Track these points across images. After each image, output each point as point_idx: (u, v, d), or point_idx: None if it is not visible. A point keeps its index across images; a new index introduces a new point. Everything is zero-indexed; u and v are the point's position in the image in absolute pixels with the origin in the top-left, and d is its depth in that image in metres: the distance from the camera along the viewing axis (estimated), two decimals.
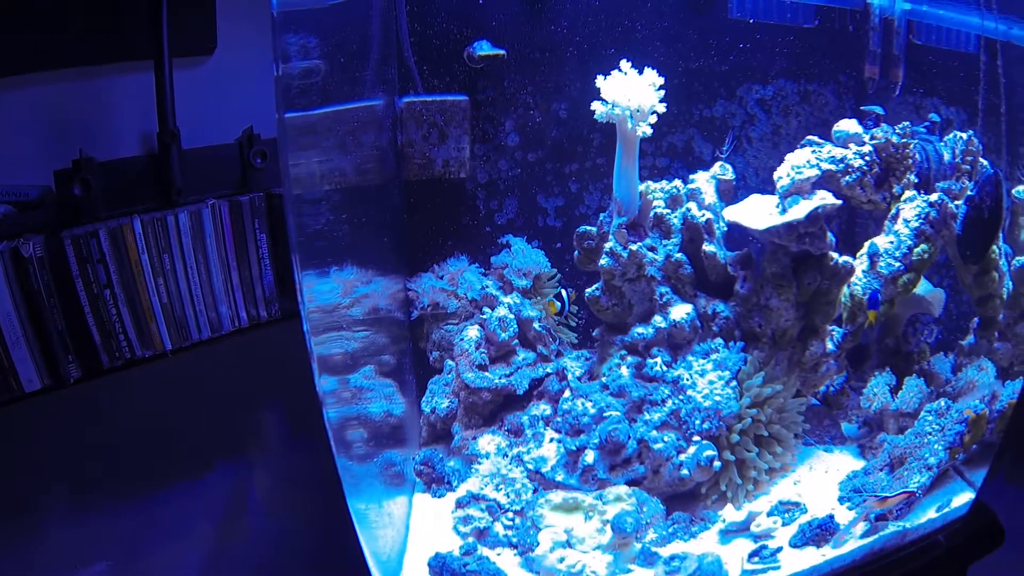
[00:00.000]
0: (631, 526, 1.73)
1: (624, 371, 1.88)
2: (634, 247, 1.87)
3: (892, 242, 2.05)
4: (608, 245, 1.88)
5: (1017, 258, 2.21)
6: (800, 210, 1.86)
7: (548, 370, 2.01)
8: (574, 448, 1.86)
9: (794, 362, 2.01)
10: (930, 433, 1.95)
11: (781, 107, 2.26)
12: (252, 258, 2.35)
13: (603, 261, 1.88)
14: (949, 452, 1.93)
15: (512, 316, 2.00)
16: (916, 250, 2.04)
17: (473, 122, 2.10)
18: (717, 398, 1.82)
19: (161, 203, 2.23)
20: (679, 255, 1.90)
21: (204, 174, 2.29)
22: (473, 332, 2.00)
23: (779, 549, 1.76)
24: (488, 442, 1.97)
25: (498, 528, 1.83)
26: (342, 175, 1.98)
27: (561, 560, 1.73)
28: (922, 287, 2.28)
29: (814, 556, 1.76)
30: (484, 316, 2.01)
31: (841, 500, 1.95)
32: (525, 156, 2.17)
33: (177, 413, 2.28)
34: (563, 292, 1.97)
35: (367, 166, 2.04)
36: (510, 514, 1.84)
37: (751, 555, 1.75)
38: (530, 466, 1.92)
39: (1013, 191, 2.24)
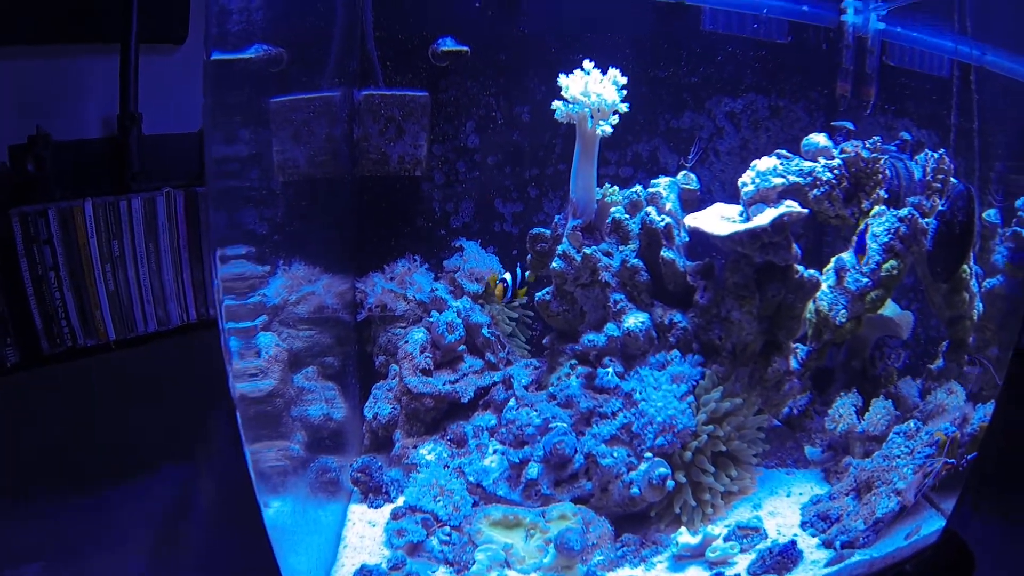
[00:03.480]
0: (578, 543, 1.61)
1: (573, 381, 1.78)
2: (588, 251, 1.79)
3: (858, 253, 1.98)
4: (561, 247, 1.80)
5: (988, 280, 2.15)
6: (764, 217, 1.79)
7: (496, 378, 1.91)
8: (517, 460, 1.75)
9: (756, 379, 1.91)
10: (899, 456, 1.85)
11: (751, 121, 2.21)
12: (205, 252, 2.27)
13: (554, 264, 1.80)
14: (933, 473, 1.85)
15: (460, 320, 1.91)
16: (885, 266, 1.96)
17: (433, 121, 2.04)
18: (671, 412, 1.72)
19: (116, 188, 2.16)
20: (635, 261, 1.81)
21: (163, 162, 2.23)
22: (419, 335, 1.90)
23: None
24: (429, 452, 1.86)
25: (433, 542, 1.71)
26: (294, 166, 1.91)
27: None
28: (890, 309, 2.21)
29: None
30: (431, 319, 1.91)
31: (803, 526, 1.84)
32: (485, 159, 2.11)
33: (116, 409, 2.17)
34: (507, 275, 1.85)
35: (319, 159, 1.97)
36: (447, 528, 1.72)
37: None
38: (471, 479, 1.80)
39: (984, 214, 2.19)
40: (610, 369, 1.76)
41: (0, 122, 2.02)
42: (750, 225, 1.78)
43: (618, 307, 1.80)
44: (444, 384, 1.87)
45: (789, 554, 1.70)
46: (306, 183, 1.96)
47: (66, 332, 2.08)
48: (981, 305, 2.13)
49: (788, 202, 1.84)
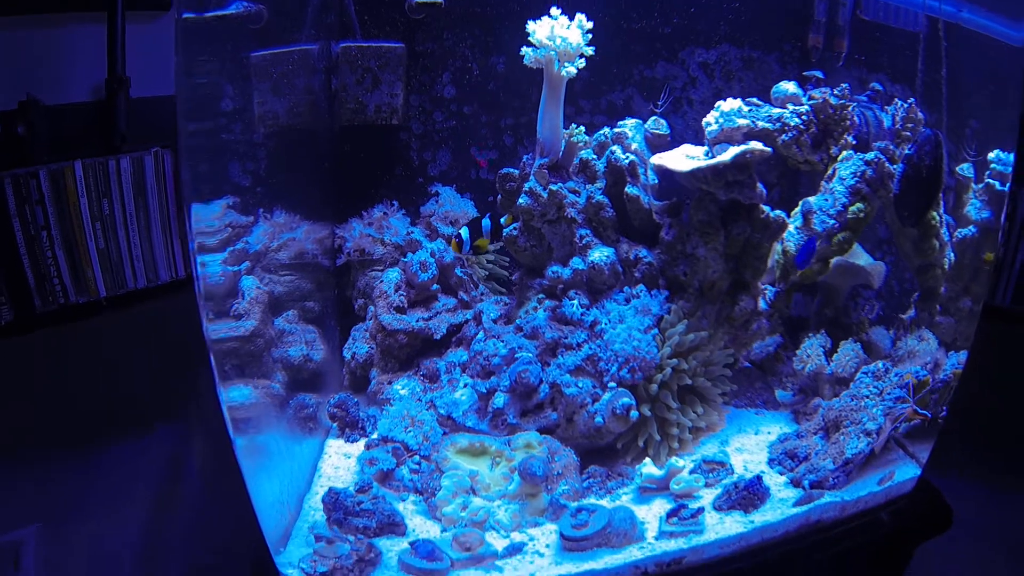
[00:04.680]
0: (540, 470, 1.64)
1: (540, 313, 1.82)
2: (554, 187, 1.83)
3: (827, 199, 2.01)
4: (527, 185, 1.85)
5: (960, 229, 2.16)
6: (727, 154, 1.82)
7: (468, 316, 1.95)
8: (484, 391, 1.79)
9: (723, 317, 1.94)
10: (868, 396, 1.87)
11: (724, 72, 2.24)
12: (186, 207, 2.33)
13: (521, 200, 1.84)
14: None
15: (433, 260, 1.96)
16: (851, 208, 1.99)
17: (410, 73, 2.10)
18: (635, 344, 1.76)
19: (106, 150, 2.23)
20: (601, 197, 1.85)
21: (151, 124, 2.29)
22: (393, 275, 1.96)
23: (700, 510, 1.65)
24: (403, 387, 1.91)
25: (404, 472, 1.75)
26: (274, 118, 1.97)
27: (463, 506, 1.65)
28: (863, 259, 2.23)
29: (741, 522, 1.65)
30: (406, 260, 1.96)
31: (771, 463, 1.86)
32: (461, 108, 2.16)
33: (110, 364, 2.23)
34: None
35: (298, 110, 2.04)
36: (417, 457, 1.77)
37: (669, 514, 1.64)
38: (442, 411, 1.84)
39: (957, 168, 2.21)
40: (575, 301, 1.80)
41: None
42: (712, 161, 1.81)
43: (584, 242, 1.84)
44: (417, 321, 1.92)
45: (755, 490, 1.70)
46: (286, 134, 2.03)
47: (58, 290, 2.14)
48: (953, 255, 2.15)
49: (753, 142, 1.88)
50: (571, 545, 1.55)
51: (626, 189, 1.84)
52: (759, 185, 1.88)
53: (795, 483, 1.79)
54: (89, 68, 2.26)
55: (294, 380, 1.98)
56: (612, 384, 1.74)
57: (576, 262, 1.83)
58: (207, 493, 2.41)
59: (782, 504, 1.73)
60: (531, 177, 1.86)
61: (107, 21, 2.19)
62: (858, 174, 1.99)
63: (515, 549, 1.56)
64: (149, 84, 2.32)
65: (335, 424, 1.94)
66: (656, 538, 1.59)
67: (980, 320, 2.01)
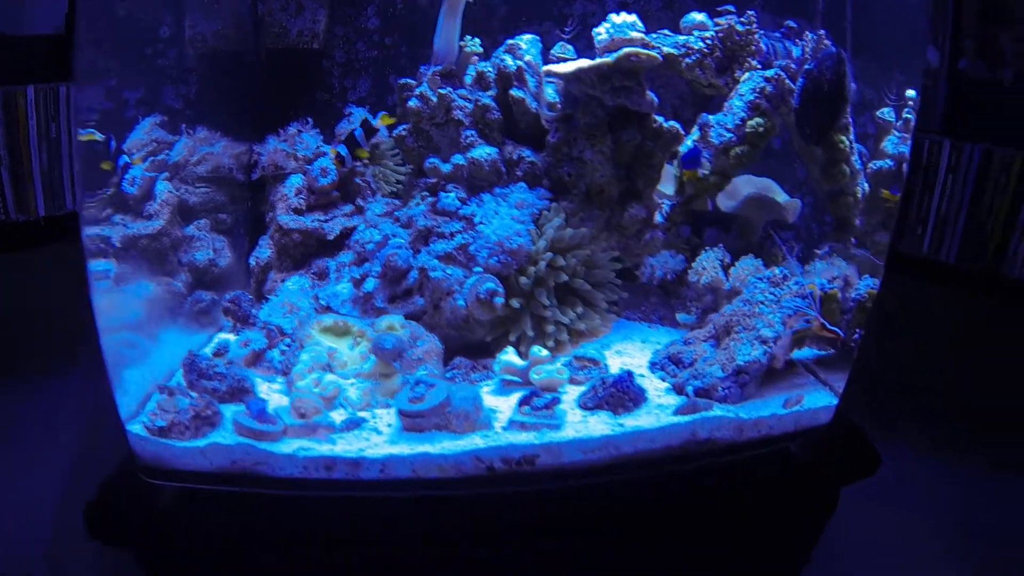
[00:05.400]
0: (389, 343, 1.63)
1: (419, 206, 1.85)
2: (443, 91, 1.89)
3: (726, 115, 1.98)
4: (419, 88, 1.91)
5: (875, 161, 2.09)
6: (612, 56, 1.84)
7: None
8: (358, 276, 1.81)
9: (613, 224, 1.92)
10: (763, 302, 1.76)
11: (643, 11, 2.27)
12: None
13: (411, 103, 1.90)
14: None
15: (333, 167, 2.02)
16: (750, 123, 1.96)
17: (336, 5, 2.23)
18: (507, 233, 1.75)
19: (59, 76, 2.42)
20: (487, 100, 1.89)
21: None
22: (296, 179, 2.03)
23: (556, 399, 1.57)
24: (293, 283, 1.95)
25: (274, 354, 1.77)
26: (203, 40, 2.12)
27: (318, 381, 1.65)
28: (780, 197, 2.17)
29: (609, 424, 1.53)
30: (309, 167, 2.04)
31: (652, 367, 1.76)
32: (383, 40, 2.27)
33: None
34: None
35: (225, 32, 2.18)
36: (288, 340, 1.78)
37: (521, 402, 1.56)
38: (322, 301, 1.87)
39: (878, 112, 2.16)
40: (452, 194, 1.82)
41: None
42: (596, 62, 1.84)
43: (468, 141, 1.88)
44: (312, 221, 1.97)
45: (624, 387, 1.58)
46: (214, 56, 2.17)
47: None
48: (867, 185, 2.08)
49: (639, 48, 1.88)
50: (409, 423, 1.50)
51: (511, 92, 1.88)
52: (649, 93, 1.89)
53: (677, 389, 1.68)
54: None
55: (198, 282, 2.05)
56: (477, 269, 1.73)
57: (457, 158, 1.86)
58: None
59: (661, 411, 1.60)
60: (424, 83, 1.92)
61: None
62: (757, 90, 1.97)
63: (353, 424, 1.54)
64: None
65: (229, 319, 1.98)
66: (504, 428, 1.50)
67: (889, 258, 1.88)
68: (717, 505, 1.63)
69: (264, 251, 2.06)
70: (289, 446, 1.43)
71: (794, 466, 1.65)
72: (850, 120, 2.09)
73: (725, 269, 1.93)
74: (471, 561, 1.50)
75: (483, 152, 1.85)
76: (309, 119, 2.16)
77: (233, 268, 2.11)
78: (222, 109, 2.18)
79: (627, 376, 1.61)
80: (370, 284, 1.78)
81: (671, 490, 1.58)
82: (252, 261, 2.09)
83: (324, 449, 1.43)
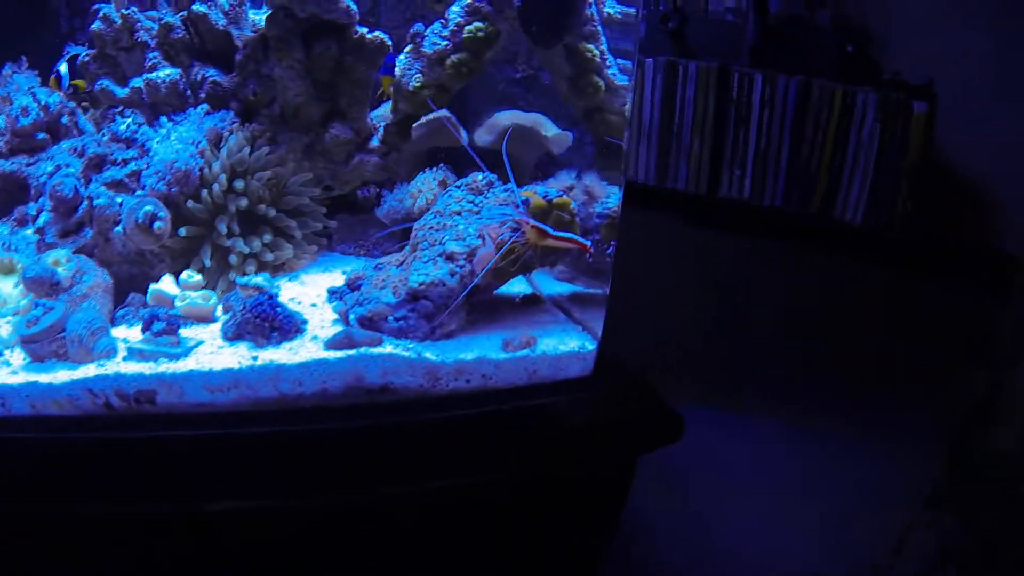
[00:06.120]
0: (32, 271, 1.51)
1: (93, 135, 1.73)
2: (126, 11, 1.76)
3: (442, 22, 1.84)
4: (103, 10, 1.78)
5: None
6: None
7: None
8: (33, 213, 1.70)
9: (317, 150, 1.79)
10: (458, 211, 1.58)
11: None
12: None
13: (94, 26, 1.78)
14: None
15: (36, 105, 1.90)
16: (468, 28, 1.81)
17: None
18: (173, 156, 1.62)
19: None
20: (171, 18, 1.77)
21: None
22: None
23: (177, 324, 1.39)
24: None
25: None
26: None
27: None
28: (550, 131, 2.02)
29: (244, 357, 1.32)
30: (10, 107, 1.92)
31: (331, 295, 1.56)
32: None
33: None
34: (63, 67, 1.83)
35: None
36: None
37: (143, 328, 1.41)
38: (12, 247, 1.75)
39: None
40: (129, 120, 1.70)
41: None
42: None
43: (150, 63, 1.75)
44: (12, 163, 1.86)
45: (265, 314, 1.36)
46: None
47: None
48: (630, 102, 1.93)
49: None
50: (31, 352, 1.37)
51: (192, 7, 1.75)
52: (348, 3, 1.75)
53: (344, 317, 1.45)
54: None
55: None
56: (141, 195, 1.61)
57: (135, 81, 1.75)
58: None
59: (314, 342, 1.37)
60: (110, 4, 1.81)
61: None
62: None
63: None
64: None
65: None
66: (124, 359, 1.34)
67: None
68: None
69: None
70: None
71: (541, 436, 1.30)
72: (598, 26, 1.94)
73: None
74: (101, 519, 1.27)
75: (162, 74, 1.73)
76: (23, 58, 2.04)
77: None
78: None
79: (267, 300, 1.41)
80: (42, 219, 1.66)
81: (354, 462, 1.21)
82: None
83: None
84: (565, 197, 1.55)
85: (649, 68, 2.24)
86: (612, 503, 1.33)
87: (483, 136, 2.04)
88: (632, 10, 1.97)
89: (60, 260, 1.64)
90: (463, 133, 2.09)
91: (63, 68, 1.82)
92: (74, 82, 1.84)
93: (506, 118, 2.01)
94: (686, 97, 2.20)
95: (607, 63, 1.93)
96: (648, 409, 1.33)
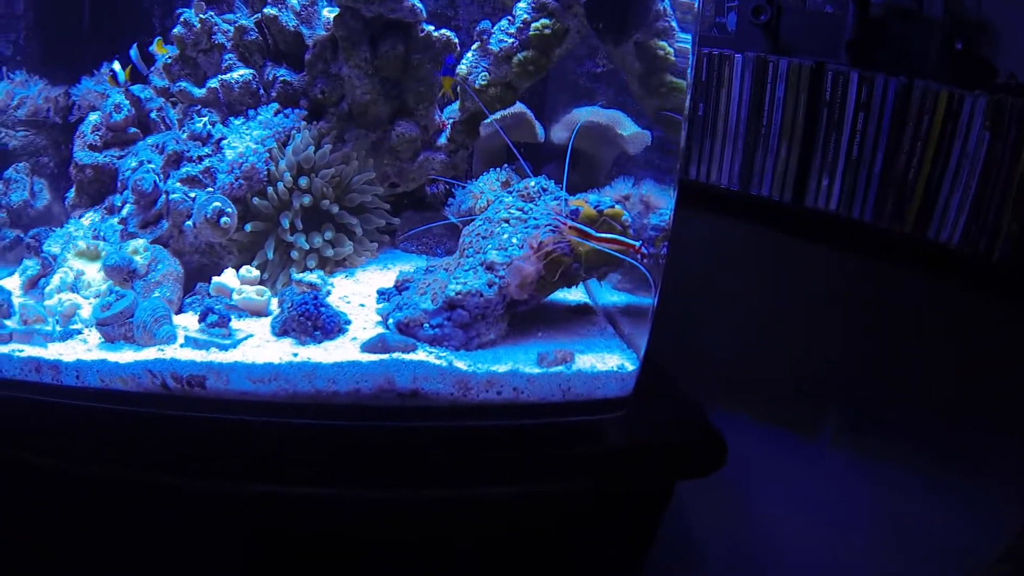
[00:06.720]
0: (112, 260, 1.64)
1: (176, 132, 1.81)
2: (205, 16, 1.83)
3: (509, 19, 1.80)
4: (184, 15, 1.86)
5: None
6: None
7: None
8: (118, 204, 1.80)
9: (384, 148, 1.80)
10: (506, 219, 1.54)
11: None
12: None
13: (175, 30, 1.85)
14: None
15: (127, 101, 2.01)
16: (534, 24, 1.76)
17: None
18: (243, 152, 1.67)
19: None
20: (246, 21, 1.82)
21: None
22: (93, 116, 2.04)
23: (227, 318, 1.45)
24: (87, 218, 1.96)
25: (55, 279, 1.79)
26: None
27: (61, 302, 1.66)
28: (628, 130, 1.95)
29: (287, 352, 1.36)
30: (104, 103, 2.04)
31: (380, 296, 1.57)
32: None
33: None
34: (115, 65, 1.92)
35: None
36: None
37: (200, 318, 1.49)
38: (101, 233, 1.87)
39: None
40: (205, 119, 1.77)
41: None
42: None
43: (226, 64, 1.81)
44: (105, 157, 1.98)
45: (309, 312, 1.39)
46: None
47: None
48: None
49: None
50: (104, 334, 1.50)
51: (264, 9, 1.80)
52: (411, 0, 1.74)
53: (384, 321, 1.46)
54: None
55: (15, 222, 2.12)
56: (210, 191, 1.67)
57: (211, 82, 1.81)
58: None
59: (353, 343, 1.39)
60: (191, 12, 1.88)
61: None
62: None
63: (68, 335, 1.55)
64: None
65: (31, 255, 2.03)
66: (182, 345, 1.43)
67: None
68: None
69: (72, 191, 2.09)
70: (7, 347, 1.47)
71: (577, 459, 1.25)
72: (672, 22, 1.85)
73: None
74: (149, 487, 1.39)
75: (236, 75, 1.79)
76: (116, 57, 2.16)
77: (53, 209, 2.16)
78: (47, 54, 2.23)
79: (312, 299, 1.44)
80: (126, 210, 1.76)
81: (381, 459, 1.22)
82: (67, 202, 2.13)
83: (35, 352, 1.46)
84: (618, 208, 1.49)
85: (738, 64, 2.15)
86: (643, 527, 1.26)
87: (559, 132, 2.01)
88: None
89: (138, 249, 1.75)
90: (539, 129, 2.06)
91: (116, 66, 1.91)
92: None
93: (583, 115, 1.96)
94: (775, 97, 2.10)
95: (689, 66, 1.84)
96: (688, 434, 1.25)
